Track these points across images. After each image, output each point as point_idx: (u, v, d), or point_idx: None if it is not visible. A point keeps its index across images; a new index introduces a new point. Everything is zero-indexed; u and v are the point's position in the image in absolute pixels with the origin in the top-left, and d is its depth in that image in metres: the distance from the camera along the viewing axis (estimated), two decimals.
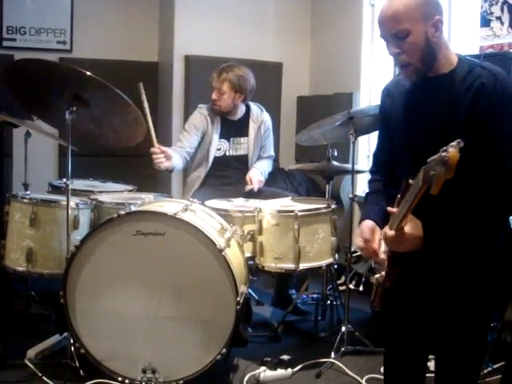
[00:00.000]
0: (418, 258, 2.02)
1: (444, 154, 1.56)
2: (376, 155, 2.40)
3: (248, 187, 4.15)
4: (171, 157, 3.85)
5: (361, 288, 3.48)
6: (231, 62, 4.28)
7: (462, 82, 1.99)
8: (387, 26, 2.02)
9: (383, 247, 2.11)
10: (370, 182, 2.39)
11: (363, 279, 2.53)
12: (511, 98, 1.97)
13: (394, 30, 2.00)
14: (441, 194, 1.61)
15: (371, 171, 2.42)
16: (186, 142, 4.18)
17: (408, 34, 1.99)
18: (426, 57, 2.02)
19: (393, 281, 2.05)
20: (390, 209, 2.01)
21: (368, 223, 2.17)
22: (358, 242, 2.18)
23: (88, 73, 3.04)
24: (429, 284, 2.10)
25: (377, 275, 2.13)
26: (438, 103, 2.04)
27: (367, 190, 2.40)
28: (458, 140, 1.57)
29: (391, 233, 1.95)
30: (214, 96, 4.17)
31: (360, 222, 2.23)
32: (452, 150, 1.55)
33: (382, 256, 2.09)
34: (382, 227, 2.11)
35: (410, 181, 1.84)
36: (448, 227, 1.96)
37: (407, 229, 1.93)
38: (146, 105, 3.62)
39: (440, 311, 2.11)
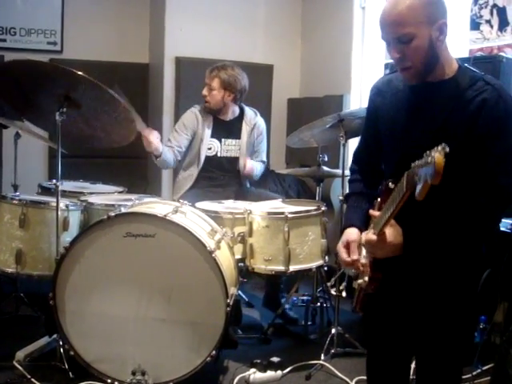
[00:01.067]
0: (400, 263, 1.99)
1: (430, 159, 1.52)
2: (358, 153, 2.36)
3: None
4: (159, 136, 3.97)
5: (344, 294, 3.48)
6: (227, 62, 4.30)
7: (463, 92, 1.95)
8: (390, 29, 1.95)
9: (364, 252, 2.08)
10: (351, 181, 2.35)
11: (344, 283, 2.54)
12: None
13: (398, 34, 1.93)
14: (425, 201, 1.58)
15: (352, 169, 2.38)
16: (175, 141, 4.20)
17: (412, 39, 1.92)
18: (428, 61, 1.97)
19: (375, 286, 2.02)
20: (372, 212, 2.00)
21: (355, 235, 2.13)
22: (342, 255, 2.12)
23: (79, 72, 3.04)
24: (410, 288, 2.08)
25: (359, 280, 2.09)
26: (435, 109, 2.00)
27: (348, 191, 2.37)
28: (443, 145, 1.53)
29: (372, 237, 1.93)
30: (205, 92, 4.21)
31: (344, 228, 2.19)
32: (437, 156, 1.50)
33: (363, 261, 2.05)
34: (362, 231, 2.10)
35: (390, 184, 1.83)
36: (429, 237, 1.93)
37: (388, 235, 1.90)
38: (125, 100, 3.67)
39: (421, 315, 2.10)
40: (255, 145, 4.39)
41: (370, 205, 2.13)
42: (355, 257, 2.08)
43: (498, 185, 1.92)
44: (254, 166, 4.30)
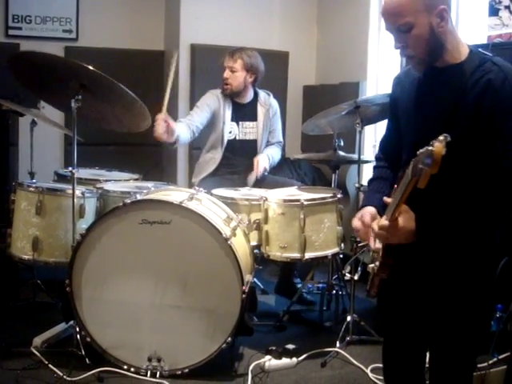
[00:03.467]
0: (412, 250, 1.98)
1: (430, 148, 1.54)
2: (383, 143, 2.37)
3: (250, 178, 4.16)
4: (174, 131, 3.84)
5: (356, 277, 3.46)
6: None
7: (470, 75, 1.94)
8: (389, 19, 1.96)
9: None
10: (376, 167, 2.35)
11: (359, 269, 2.54)
12: None
13: (397, 24, 1.93)
14: (437, 187, 1.58)
15: (377, 157, 2.38)
16: (197, 116, 4.19)
17: (411, 28, 1.91)
18: (431, 48, 1.96)
19: (387, 271, 2.02)
20: (385, 198, 1.99)
21: (370, 209, 2.13)
22: (355, 222, 2.12)
23: (90, 67, 3.06)
24: (423, 275, 2.07)
25: (372, 264, 2.10)
26: (444, 94, 1.99)
27: (371, 176, 2.36)
28: (445, 134, 1.54)
29: (385, 223, 1.92)
30: (226, 75, 4.21)
31: (361, 208, 2.19)
32: (437, 145, 1.52)
33: (378, 245, 2.05)
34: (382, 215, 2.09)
35: (407, 171, 1.82)
36: (442, 224, 1.92)
37: (400, 221, 1.89)
38: (172, 74, 3.72)
39: (434, 303, 2.08)
40: (271, 125, 4.41)
41: (391, 190, 2.12)
42: (367, 220, 2.07)
43: (505, 168, 1.89)
44: (266, 162, 4.24)
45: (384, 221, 1.93)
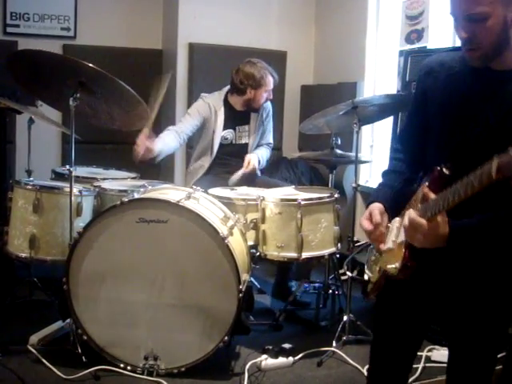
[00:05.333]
0: (440, 255, 1.87)
1: None
2: (403, 135, 2.26)
3: (234, 177, 4.16)
4: (152, 150, 3.84)
5: (349, 274, 3.44)
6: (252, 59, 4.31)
7: None
8: (463, 5, 1.81)
9: (393, 236, 1.98)
10: (392, 159, 2.25)
11: (357, 267, 2.53)
12: None
13: (470, 12, 1.79)
14: (478, 195, 1.50)
15: (395, 148, 2.26)
16: (188, 124, 4.21)
17: (486, 18, 1.78)
18: (499, 44, 1.84)
19: (408, 274, 1.90)
20: (427, 191, 1.78)
21: (378, 206, 2.05)
22: (364, 223, 2.03)
23: (91, 65, 3.05)
24: (445, 277, 1.99)
25: (389, 266, 1.96)
26: (500, 99, 1.87)
27: (386, 168, 2.25)
28: None
29: (421, 221, 1.76)
30: (269, 96, 4.28)
31: (369, 204, 2.10)
32: None
33: (390, 245, 1.96)
34: (389, 213, 2.02)
35: (445, 170, 1.73)
36: (475, 230, 1.82)
37: (440, 223, 1.75)
38: (162, 95, 3.69)
39: (456, 304, 2.01)
40: (264, 125, 4.43)
41: (404, 186, 2.07)
42: (378, 219, 1.99)
43: None
44: (256, 161, 4.25)
45: (420, 219, 1.79)
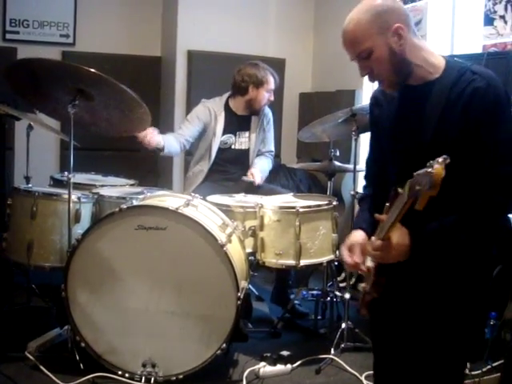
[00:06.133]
0: (405, 267, 1.95)
1: (430, 169, 1.51)
2: (368, 161, 2.33)
3: (246, 178, 4.16)
4: (157, 139, 3.88)
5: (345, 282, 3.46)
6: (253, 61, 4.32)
7: (452, 87, 1.92)
8: (350, 50, 1.97)
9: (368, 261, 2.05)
10: (364, 187, 2.34)
11: (353, 279, 2.55)
12: (504, 103, 1.90)
13: (357, 52, 1.94)
14: (430, 204, 1.57)
15: (364, 176, 2.36)
16: (187, 130, 4.21)
17: (371, 53, 1.92)
18: (397, 68, 1.95)
19: (379, 291, 2.00)
20: (378, 216, 1.93)
21: (360, 236, 2.10)
22: (345, 255, 2.09)
23: (92, 70, 3.05)
24: (416, 290, 2.03)
25: (363, 284, 2.08)
26: (426, 111, 1.96)
27: (361, 195, 2.35)
28: (445, 156, 1.52)
29: (378, 243, 1.89)
30: (271, 98, 4.27)
31: (351, 230, 2.18)
32: (437, 167, 1.50)
33: (368, 264, 2.02)
34: (370, 235, 2.06)
35: (399, 189, 1.77)
36: (436, 237, 1.89)
37: (394, 238, 1.86)
38: None
39: (428, 314, 2.02)
40: (264, 133, 4.42)
41: (376, 207, 2.11)
42: (357, 259, 2.05)
43: (500, 175, 1.87)
44: (261, 172, 4.26)
45: (377, 241, 1.90)
